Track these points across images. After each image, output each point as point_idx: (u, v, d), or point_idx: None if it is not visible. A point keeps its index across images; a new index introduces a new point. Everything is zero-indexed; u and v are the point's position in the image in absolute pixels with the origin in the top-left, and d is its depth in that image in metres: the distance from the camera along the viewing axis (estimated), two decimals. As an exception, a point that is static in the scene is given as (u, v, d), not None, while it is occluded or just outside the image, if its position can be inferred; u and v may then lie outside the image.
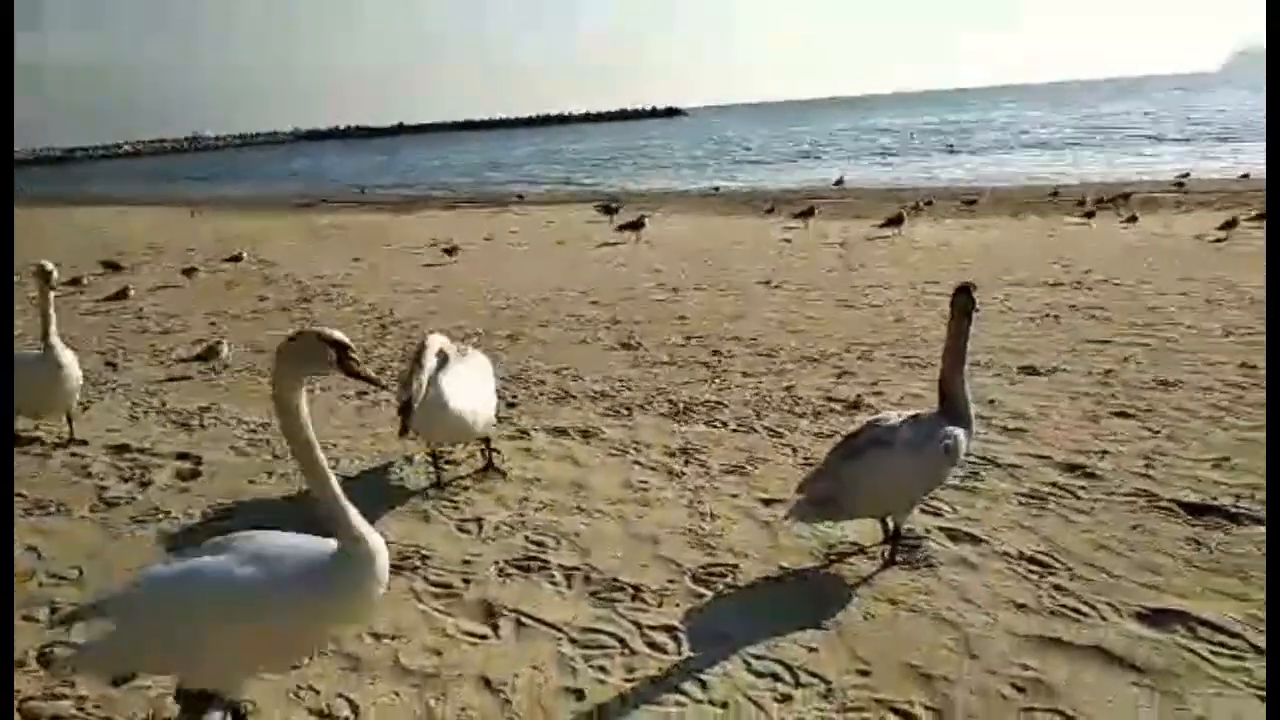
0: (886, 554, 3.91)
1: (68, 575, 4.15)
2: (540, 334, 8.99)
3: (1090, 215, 16.55)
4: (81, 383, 6.14)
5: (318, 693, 3.16)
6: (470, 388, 4.79)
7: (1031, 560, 3.88)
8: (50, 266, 5.92)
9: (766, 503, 4.60)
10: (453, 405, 4.62)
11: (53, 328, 5.86)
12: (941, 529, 4.20)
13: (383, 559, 2.60)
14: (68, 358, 5.94)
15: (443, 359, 4.66)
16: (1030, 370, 6.80)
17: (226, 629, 2.52)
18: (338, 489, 2.59)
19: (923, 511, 4.32)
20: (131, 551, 4.38)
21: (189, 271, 14.00)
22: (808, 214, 17.90)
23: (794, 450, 5.38)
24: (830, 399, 6.32)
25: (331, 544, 2.62)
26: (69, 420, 6.19)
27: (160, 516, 4.78)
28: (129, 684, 3.25)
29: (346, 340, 2.58)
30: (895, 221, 15.27)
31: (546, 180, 42.91)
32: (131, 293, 12.24)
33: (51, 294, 5.86)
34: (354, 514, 2.58)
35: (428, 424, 4.64)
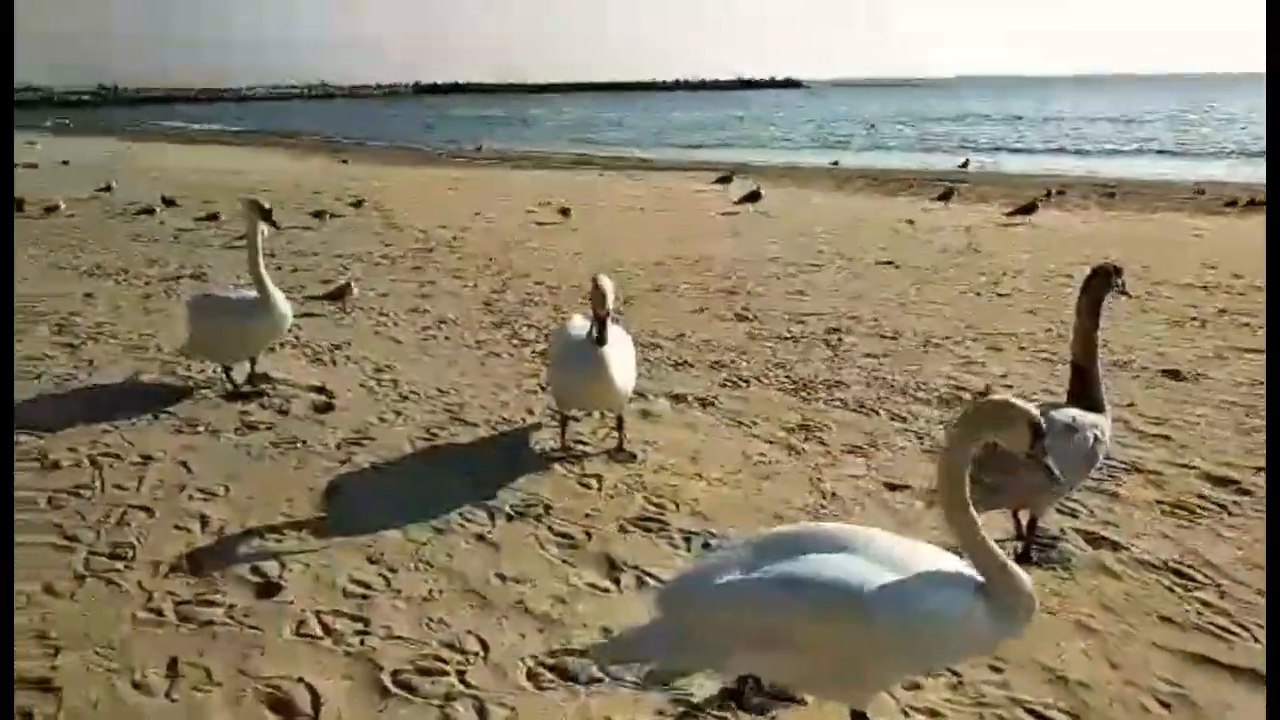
0: (1020, 550, 3.78)
1: (215, 492, 4.39)
2: (655, 299, 8.99)
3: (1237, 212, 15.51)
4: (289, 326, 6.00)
5: (448, 626, 3.27)
6: (626, 358, 4.82)
7: (1176, 572, 3.69)
8: (267, 204, 5.87)
9: (891, 488, 4.51)
10: (615, 374, 4.66)
11: (263, 268, 5.70)
12: (1078, 530, 4.04)
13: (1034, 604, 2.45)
14: (284, 303, 5.80)
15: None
16: (1173, 374, 6.44)
17: (878, 646, 2.33)
18: (990, 541, 2.42)
19: (1058, 511, 4.16)
20: (271, 475, 4.61)
21: (318, 214, 14.52)
22: (947, 196, 17.37)
23: (919, 436, 5.25)
24: (957, 387, 6.13)
25: (951, 561, 2.48)
26: (252, 361, 6.06)
27: (297, 445, 5.01)
28: (274, 598, 3.43)
29: (1042, 423, 2.52)
30: (1027, 209, 14.63)
31: (662, 146, 42.75)
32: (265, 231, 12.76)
33: (262, 232, 5.70)
34: (1011, 563, 2.44)
35: (591, 387, 4.69)
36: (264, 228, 5.87)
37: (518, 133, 56.24)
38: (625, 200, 18.50)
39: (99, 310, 8.23)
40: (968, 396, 5.94)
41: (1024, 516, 3.81)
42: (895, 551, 2.42)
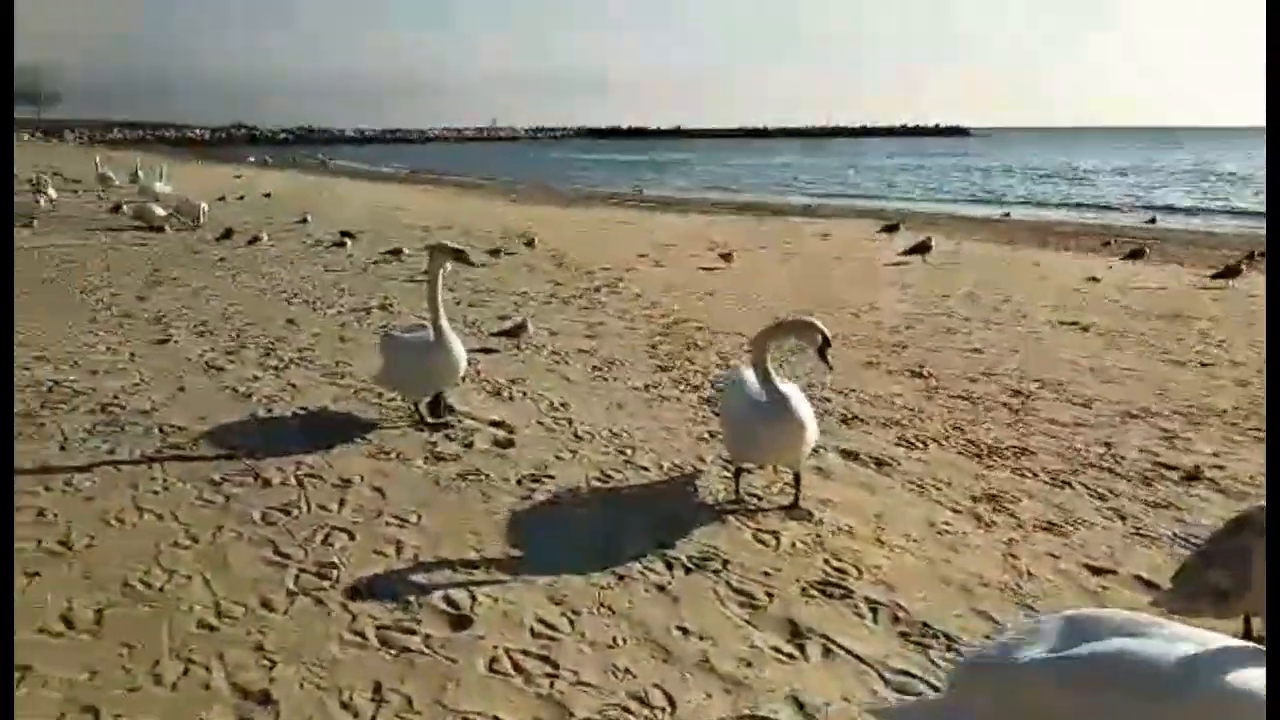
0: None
1: (408, 519, 4.60)
2: (824, 350, 8.82)
3: None
4: (466, 367, 6.22)
5: (633, 676, 3.27)
6: (807, 411, 4.78)
7: None
8: (457, 245, 6.17)
9: (1094, 571, 4.20)
10: (805, 427, 4.67)
11: (441, 310, 5.96)
12: (1319, 639, 3.62)
13: None
14: (458, 345, 6.01)
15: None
16: None
17: None
18: None
19: (1293, 614, 3.75)
20: (458, 506, 4.80)
21: (494, 252, 15.20)
22: (1138, 254, 16.40)
23: (1120, 517, 4.87)
24: (1160, 464, 5.67)
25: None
26: (438, 395, 6.30)
27: (481, 478, 5.19)
28: (466, 630, 3.54)
29: None
30: (1230, 273, 13.50)
31: (822, 193, 42.41)
32: (449, 267, 13.46)
33: (442, 274, 5.96)
34: None
35: (775, 440, 4.68)
36: (447, 268, 6.08)
37: (678, 176, 57.20)
38: (787, 246, 18.40)
39: (300, 337, 8.88)
40: (1173, 475, 5.49)
41: (1259, 623, 3.45)
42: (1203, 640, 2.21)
